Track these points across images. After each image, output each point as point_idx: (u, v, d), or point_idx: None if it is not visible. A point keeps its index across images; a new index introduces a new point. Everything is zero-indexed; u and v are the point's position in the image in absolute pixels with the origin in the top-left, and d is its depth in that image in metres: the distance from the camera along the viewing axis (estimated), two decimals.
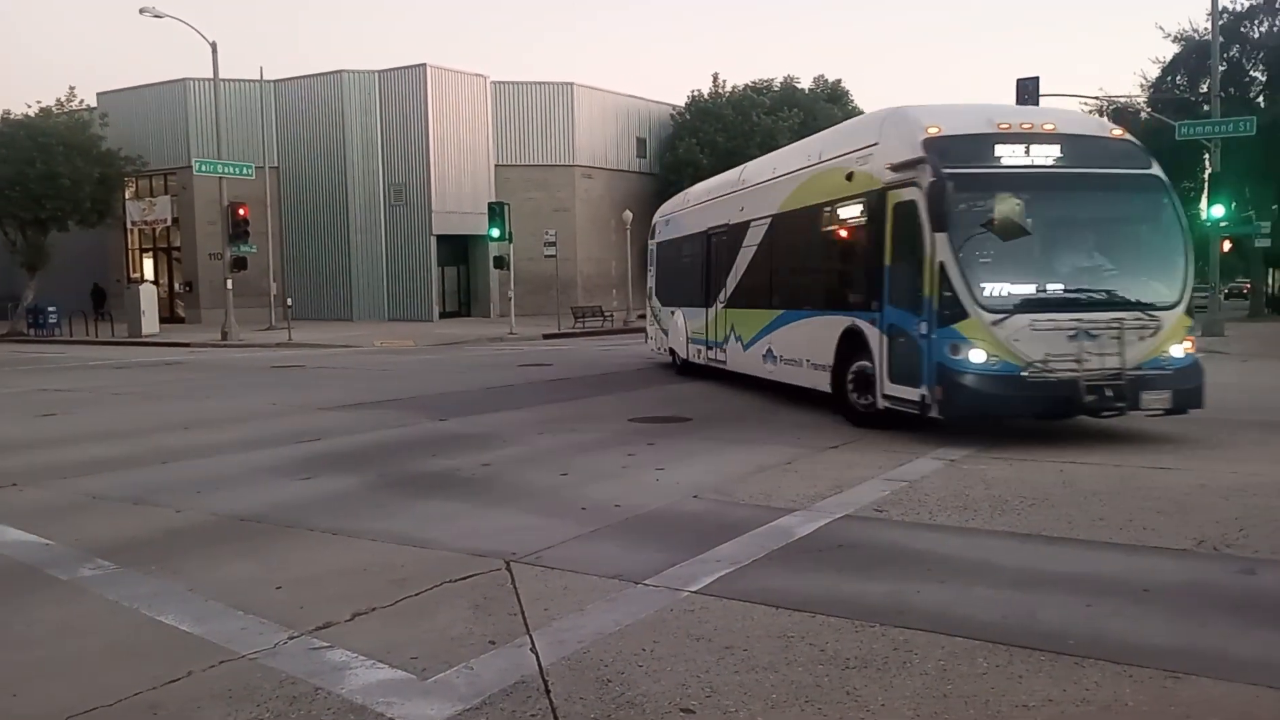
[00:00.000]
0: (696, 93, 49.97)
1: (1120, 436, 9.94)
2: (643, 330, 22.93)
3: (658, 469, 8.64)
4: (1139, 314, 9.40)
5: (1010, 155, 9.82)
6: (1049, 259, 9.92)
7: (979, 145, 9.83)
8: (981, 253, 9.39)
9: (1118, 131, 10.82)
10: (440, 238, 43.14)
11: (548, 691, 3.92)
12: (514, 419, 12.23)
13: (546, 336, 32.25)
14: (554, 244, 34.93)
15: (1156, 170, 10.24)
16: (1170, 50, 41.18)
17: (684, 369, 17.80)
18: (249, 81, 42.12)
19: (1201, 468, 8.13)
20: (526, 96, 46.19)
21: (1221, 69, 33.46)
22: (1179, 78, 40.64)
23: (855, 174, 11.09)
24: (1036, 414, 9.89)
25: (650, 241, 20.71)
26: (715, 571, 5.45)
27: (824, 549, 5.95)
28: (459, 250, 44.95)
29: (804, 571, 5.50)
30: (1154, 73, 41.91)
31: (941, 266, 9.25)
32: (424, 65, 42.61)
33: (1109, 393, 9.16)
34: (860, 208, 10.96)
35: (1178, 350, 9.63)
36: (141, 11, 31.23)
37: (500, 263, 33.70)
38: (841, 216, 11.51)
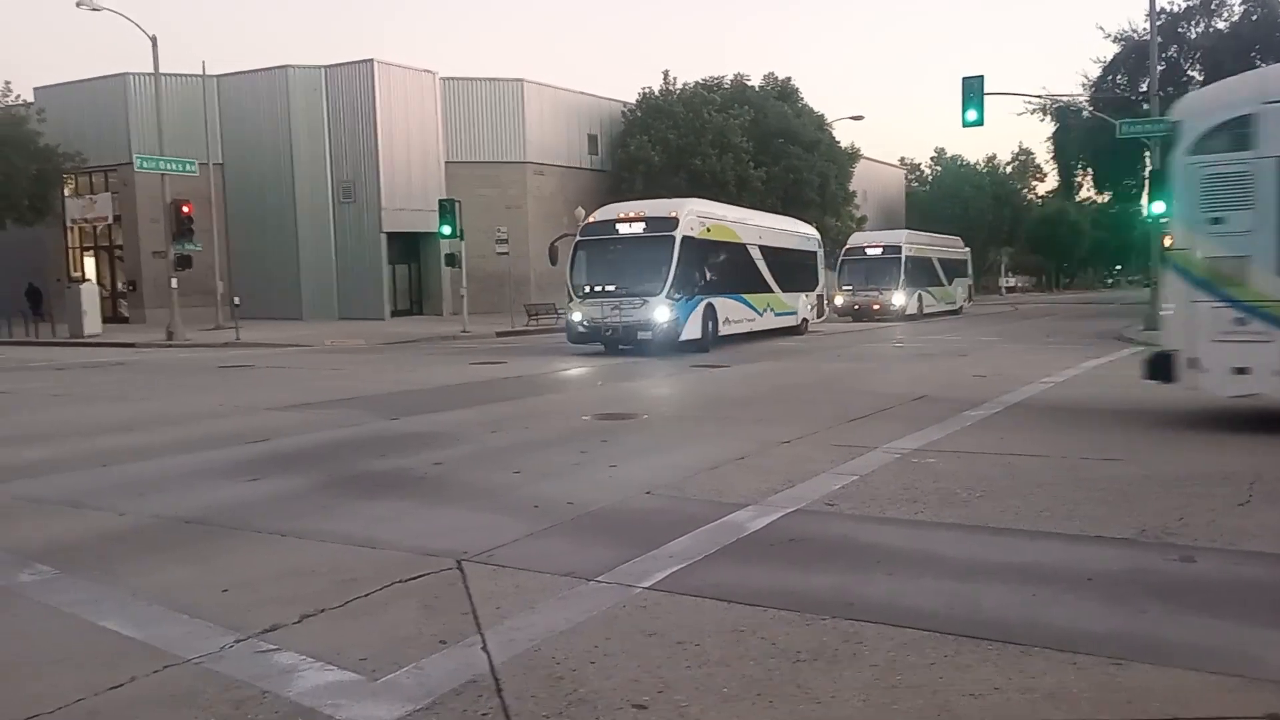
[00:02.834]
0: (647, 90, 50.00)
1: (1067, 429, 10.12)
2: None
3: (610, 466, 8.64)
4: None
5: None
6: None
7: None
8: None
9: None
10: (390, 235, 42.73)
11: (499, 690, 3.90)
12: (466, 417, 12.15)
13: (500, 334, 32.10)
14: (506, 241, 34.75)
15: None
16: (1111, 50, 42.12)
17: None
18: (191, 76, 41.31)
19: (1145, 459, 8.31)
20: (476, 93, 45.92)
21: (1160, 68, 34.27)
22: (1119, 77, 41.54)
23: None
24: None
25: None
26: (667, 567, 5.46)
27: (775, 543, 5.98)
28: (410, 248, 44.56)
29: (755, 566, 5.53)
30: (1095, 72, 42.84)
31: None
32: (371, 61, 42.18)
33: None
34: None
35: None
36: (79, 4, 30.48)
37: (452, 260, 33.46)
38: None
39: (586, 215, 23.26)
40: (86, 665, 4.29)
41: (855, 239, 43.62)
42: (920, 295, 41.45)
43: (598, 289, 21.90)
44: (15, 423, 12.89)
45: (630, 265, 21.93)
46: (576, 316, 22.10)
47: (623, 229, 22.29)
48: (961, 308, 46.79)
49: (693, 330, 22.23)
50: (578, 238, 22.80)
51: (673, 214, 22.17)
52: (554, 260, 24.57)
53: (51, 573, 5.70)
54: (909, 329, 33.39)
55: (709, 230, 23.59)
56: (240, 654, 4.33)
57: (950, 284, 45.93)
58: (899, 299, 39.61)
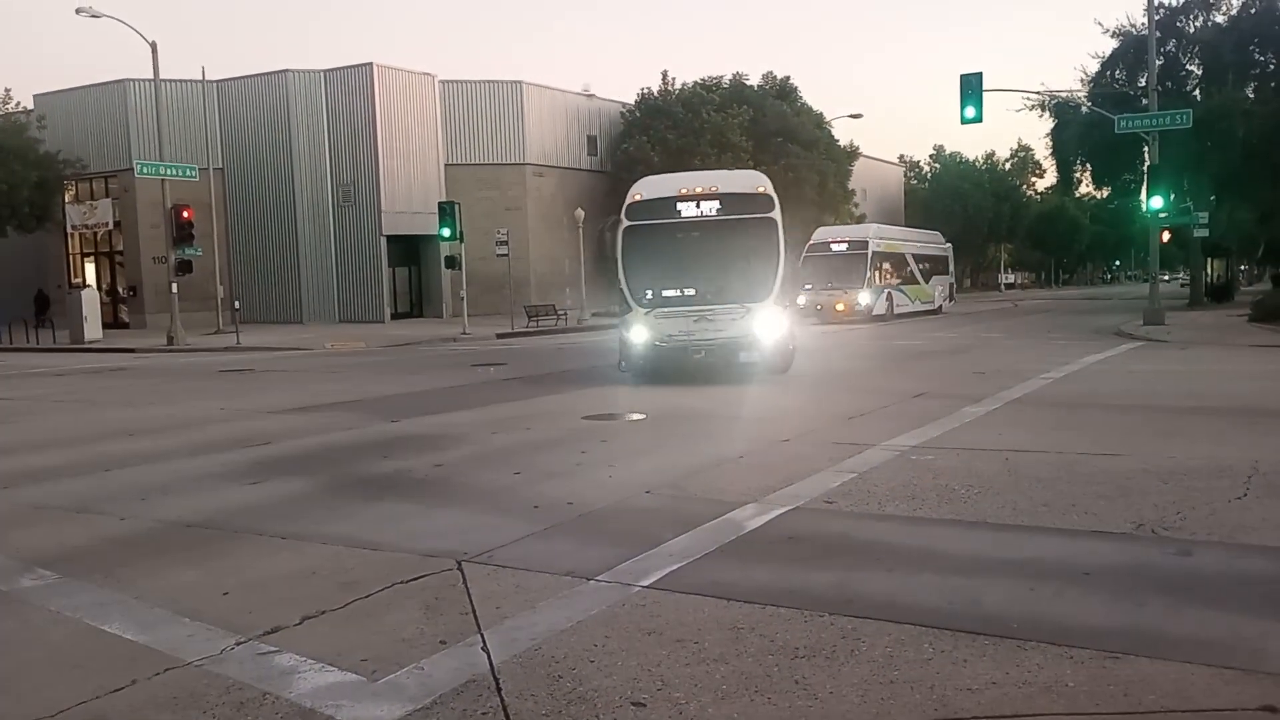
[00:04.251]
0: (646, 90, 50.05)
1: (1066, 425, 10.13)
2: (597, 329, 23.36)
3: (610, 466, 8.66)
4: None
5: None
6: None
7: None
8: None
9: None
10: (390, 238, 42.74)
11: (499, 689, 3.92)
12: (467, 419, 12.17)
13: (500, 336, 32.11)
14: (506, 243, 34.75)
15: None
16: (1109, 45, 42.11)
17: None
18: (191, 82, 41.39)
19: (1144, 453, 8.32)
20: (475, 95, 45.93)
21: (1159, 63, 34.29)
22: (1118, 72, 41.51)
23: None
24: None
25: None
26: (667, 566, 5.48)
27: (774, 541, 6.00)
28: (410, 250, 44.57)
29: (754, 564, 5.55)
30: (1094, 67, 42.80)
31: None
32: (370, 64, 42.19)
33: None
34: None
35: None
36: (78, 11, 30.50)
37: (452, 263, 33.47)
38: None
39: (637, 198, 16.24)
40: (89, 668, 4.31)
41: (819, 233, 39.45)
42: (890, 294, 38.23)
43: (675, 294, 15.59)
44: (17, 429, 12.92)
45: (714, 260, 15.77)
46: (643, 335, 15.11)
47: (688, 209, 15.61)
48: (940, 307, 43.28)
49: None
50: (626, 222, 15.88)
51: (759, 189, 15.98)
52: (607, 251, 19.23)
53: (54, 578, 5.73)
54: (887, 331, 31.46)
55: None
56: (242, 656, 4.36)
57: (928, 282, 42.62)
58: (865, 298, 36.19)
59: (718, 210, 15.43)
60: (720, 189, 15.73)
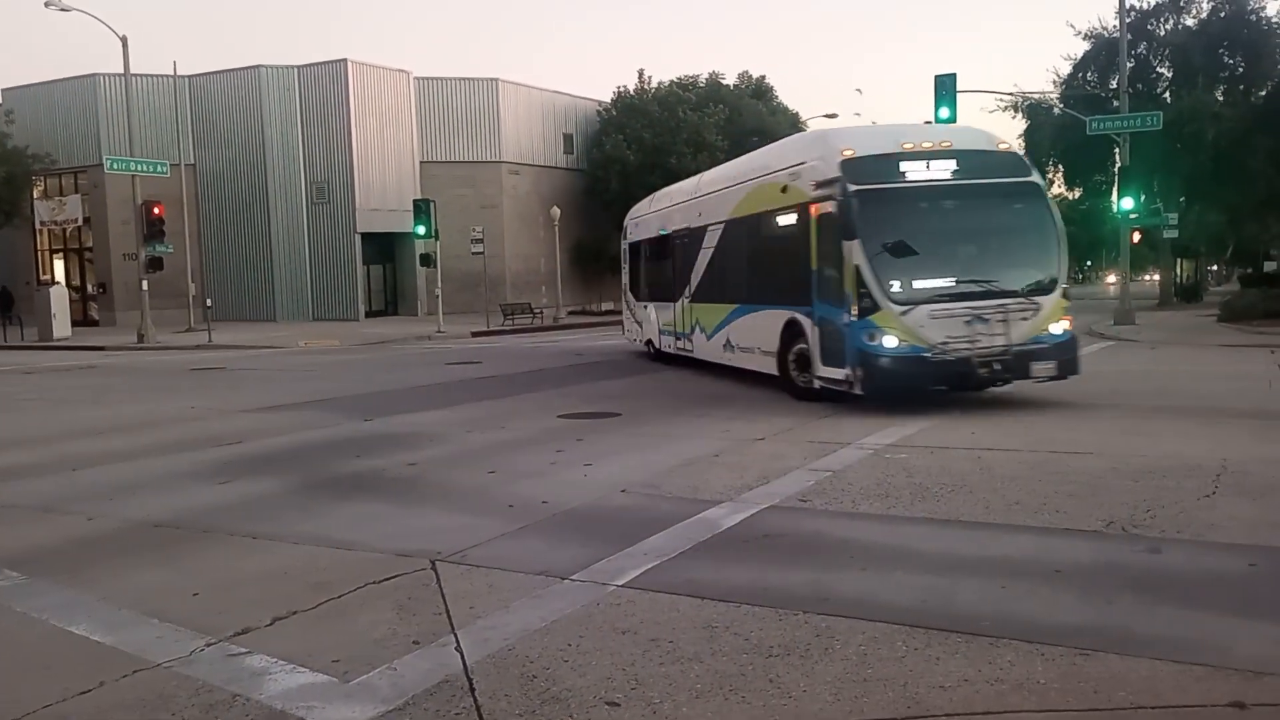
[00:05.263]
0: (623, 89, 50.01)
1: (1039, 424, 10.21)
2: (572, 327, 23.36)
3: (586, 465, 8.64)
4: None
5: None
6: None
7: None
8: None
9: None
10: (365, 235, 42.50)
11: (472, 690, 3.90)
12: (441, 418, 12.11)
13: (475, 334, 31.99)
14: (481, 241, 34.63)
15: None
16: (1081, 48, 42.41)
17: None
18: (162, 77, 40.96)
19: (1114, 452, 8.39)
20: (451, 92, 45.74)
21: (1130, 65, 34.59)
22: (1090, 74, 41.85)
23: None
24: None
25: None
26: (642, 565, 5.47)
27: (749, 539, 6.01)
28: (385, 248, 44.33)
29: (729, 562, 5.56)
30: (1066, 69, 43.09)
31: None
32: (345, 60, 41.92)
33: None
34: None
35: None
36: (48, 4, 30.12)
37: (427, 260, 33.33)
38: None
39: (848, 153, 11.44)
40: (56, 670, 4.25)
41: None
42: None
43: (944, 285, 11.08)
44: None
45: (979, 238, 11.75)
46: (896, 341, 10.73)
47: (915, 171, 11.35)
48: None
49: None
50: (851, 185, 10.98)
51: (1001, 144, 12.35)
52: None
53: (20, 578, 5.65)
54: None
55: None
56: (211, 658, 4.31)
57: None
58: None
59: (954, 173, 11.44)
60: (955, 144, 11.84)
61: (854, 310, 10.79)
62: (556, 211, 40.67)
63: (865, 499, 6.99)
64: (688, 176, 21.54)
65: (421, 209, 32.11)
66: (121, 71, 32.29)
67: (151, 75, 40.57)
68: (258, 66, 42.47)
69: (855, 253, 10.80)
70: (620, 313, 23.85)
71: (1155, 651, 4.05)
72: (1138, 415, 10.51)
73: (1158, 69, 42.11)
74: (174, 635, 4.58)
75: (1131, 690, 3.72)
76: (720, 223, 15.50)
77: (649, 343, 19.86)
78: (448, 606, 4.89)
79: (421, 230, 31.96)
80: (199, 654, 4.35)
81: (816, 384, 11.84)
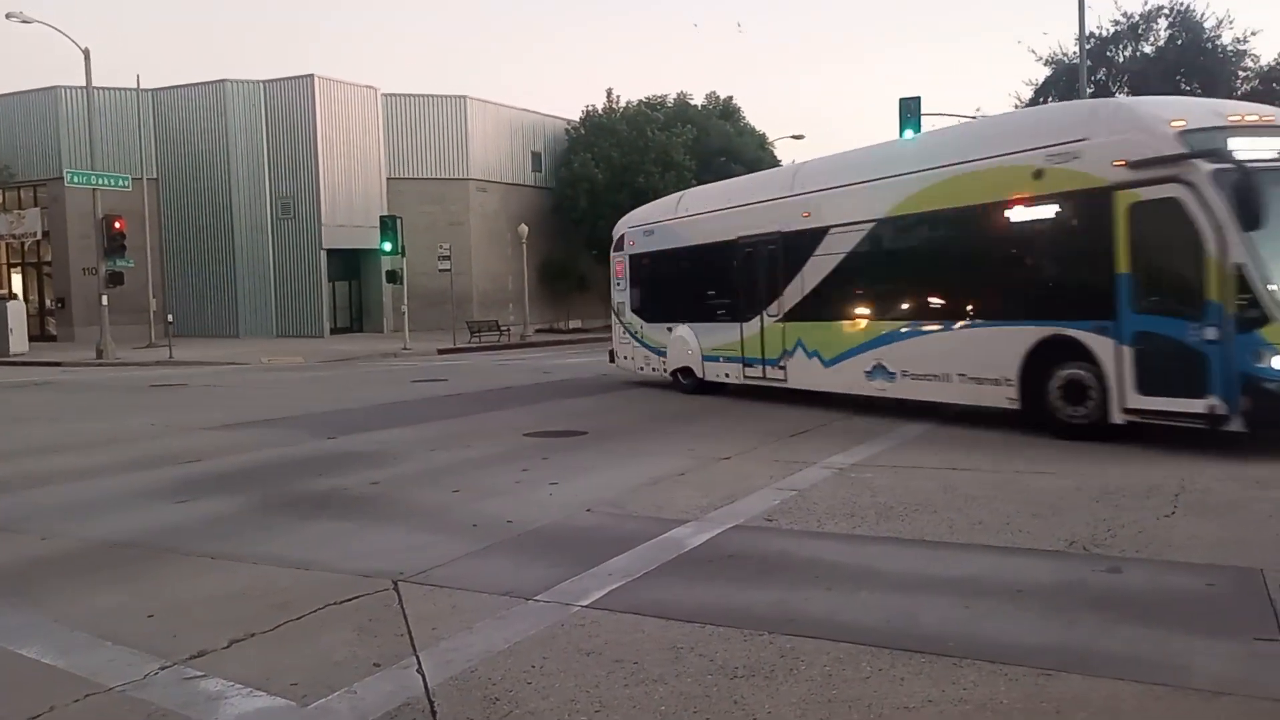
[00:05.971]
0: (591, 108, 50.14)
1: (1005, 443, 10.27)
2: (540, 345, 22.34)
3: (551, 484, 8.59)
4: None
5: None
6: None
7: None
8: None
9: None
10: (330, 252, 42.14)
11: (434, 713, 3.85)
12: (406, 436, 12.01)
13: (441, 352, 31.81)
14: (448, 258, 34.49)
15: None
16: (1043, 73, 43.14)
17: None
18: (125, 90, 40.43)
19: (1077, 471, 8.47)
20: (418, 109, 45.59)
21: (1090, 91, 35.22)
22: (1051, 98, 42.54)
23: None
24: None
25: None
26: (606, 585, 5.44)
27: (714, 559, 5.99)
28: (350, 264, 43.99)
29: (695, 582, 5.54)
30: (1028, 94, 43.81)
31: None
32: (312, 76, 41.65)
33: None
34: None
35: None
36: (9, 16, 29.71)
37: (393, 277, 33.13)
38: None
39: (1180, 124, 9.22)
40: (4, 694, 4.16)
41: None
42: None
43: None
44: None
45: None
46: None
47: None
48: None
49: None
50: (1211, 165, 8.83)
51: None
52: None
53: None
54: None
55: None
56: (165, 681, 4.22)
57: None
58: None
59: None
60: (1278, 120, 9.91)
61: (1226, 324, 8.59)
62: (524, 229, 40.62)
63: (830, 518, 7.00)
64: (655, 196, 19.24)
65: (388, 225, 31.96)
66: (84, 84, 31.91)
67: (114, 88, 40.06)
68: (223, 80, 42.10)
69: (1235, 249, 8.56)
70: (594, 330, 21.80)
71: (1116, 671, 4.08)
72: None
73: (1116, 94, 42.91)
74: (128, 658, 4.49)
75: (1093, 710, 3.74)
76: (865, 222, 12.68)
77: (680, 372, 16.41)
78: (410, 628, 4.83)
79: (388, 247, 31.79)
80: (153, 677, 4.26)
81: (1120, 418, 9.58)
